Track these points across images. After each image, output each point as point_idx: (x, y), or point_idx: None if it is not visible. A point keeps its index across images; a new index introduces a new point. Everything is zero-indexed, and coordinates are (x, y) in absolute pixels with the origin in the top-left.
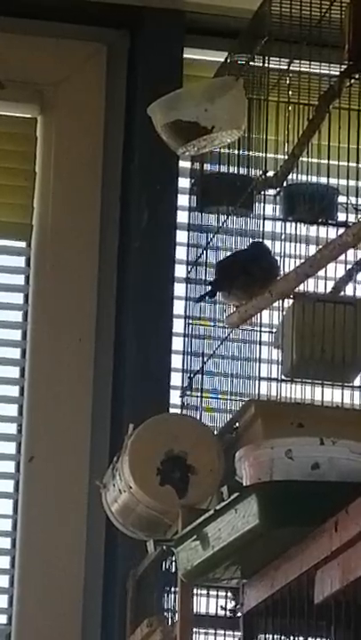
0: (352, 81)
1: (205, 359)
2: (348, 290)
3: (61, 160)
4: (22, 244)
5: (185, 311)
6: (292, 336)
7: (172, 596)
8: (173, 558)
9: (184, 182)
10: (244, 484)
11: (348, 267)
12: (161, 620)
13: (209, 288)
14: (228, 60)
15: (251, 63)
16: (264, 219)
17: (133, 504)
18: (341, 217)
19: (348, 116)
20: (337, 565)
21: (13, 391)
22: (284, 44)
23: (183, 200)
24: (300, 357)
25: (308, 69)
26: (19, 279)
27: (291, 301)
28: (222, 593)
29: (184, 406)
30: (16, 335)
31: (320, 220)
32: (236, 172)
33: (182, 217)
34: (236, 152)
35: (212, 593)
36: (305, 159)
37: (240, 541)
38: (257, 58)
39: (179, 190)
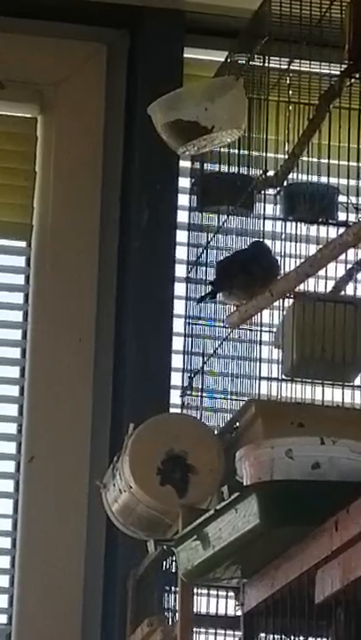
0: (352, 80)
1: (206, 359)
2: (349, 289)
3: (61, 160)
4: (22, 244)
5: (185, 311)
6: (293, 336)
7: (173, 595)
8: (174, 558)
9: (184, 182)
10: (245, 484)
11: (349, 266)
12: (161, 620)
13: (209, 288)
14: (229, 60)
15: (251, 63)
16: (264, 218)
17: (134, 504)
18: (342, 216)
19: (349, 115)
20: (337, 565)
21: (13, 391)
22: (285, 43)
23: (183, 200)
24: (300, 357)
25: (308, 69)
26: (19, 279)
27: (291, 301)
28: (223, 592)
29: (184, 406)
30: (16, 335)
31: (320, 220)
32: (236, 171)
33: (182, 217)
34: (236, 152)
35: (213, 593)
36: (305, 159)
37: (240, 541)
38: (257, 57)
39: (179, 190)
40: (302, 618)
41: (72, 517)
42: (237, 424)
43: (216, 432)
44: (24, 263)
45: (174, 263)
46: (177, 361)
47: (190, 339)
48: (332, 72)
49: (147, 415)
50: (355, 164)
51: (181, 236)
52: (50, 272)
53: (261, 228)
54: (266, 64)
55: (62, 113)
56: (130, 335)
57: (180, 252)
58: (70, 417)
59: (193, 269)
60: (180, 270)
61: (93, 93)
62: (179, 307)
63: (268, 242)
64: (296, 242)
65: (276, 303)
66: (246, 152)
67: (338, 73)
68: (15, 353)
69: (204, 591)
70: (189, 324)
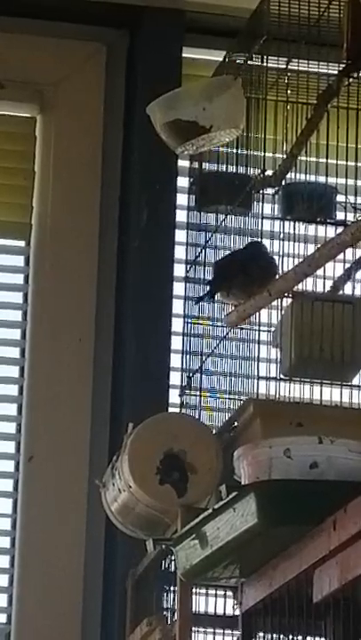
0: (350, 80)
1: (204, 358)
2: (347, 289)
3: (61, 159)
4: (21, 244)
5: (184, 310)
6: (291, 335)
7: (172, 595)
8: (173, 557)
9: (183, 181)
10: (243, 483)
11: (347, 265)
12: (160, 619)
13: (207, 288)
14: (227, 60)
15: (249, 62)
16: (263, 218)
17: (133, 503)
18: (340, 216)
19: (347, 114)
20: (335, 564)
21: (13, 390)
22: (283, 43)
23: (182, 199)
24: (298, 356)
25: (306, 68)
26: (18, 278)
27: (289, 300)
28: (221, 592)
29: (183, 405)
30: (15, 334)
31: (319, 219)
32: (234, 171)
33: (181, 216)
34: (234, 151)
35: (211, 592)
36: (303, 158)
37: (239, 540)
38: (255, 57)
39: (178, 189)
40: (300, 617)
41: (71, 517)
42: (236, 423)
43: (215, 431)
44: (23, 263)
45: (173, 262)
46: (176, 360)
47: (189, 338)
48: (331, 71)
49: (146, 414)
50: (353, 163)
51: (180, 235)
52: (49, 271)
53: (260, 228)
54: (264, 63)
55: (61, 112)
56: (129, 335)
57: (179, 252)
58: (69, 416)
59: (192, 269)
60: (179, 270)
61: (93, 93)
62: (178, 306)
63: (266, 241)
64: (294, 241)
65: (274, 302)
66: (245, 151)
67: (336, 72)
68: (14, 352)
69: (203, 590)
70: (188, 323)
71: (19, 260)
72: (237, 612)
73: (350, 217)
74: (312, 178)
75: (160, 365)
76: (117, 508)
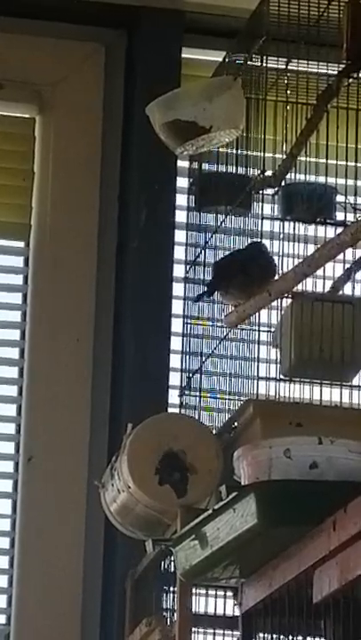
0: (350, 80)
1: (204, 359)
2: (347, 289)
3: (60, 160)
4: (21, 244)
5: (183, 311)
6: (291, 335)
7: (171, 595)
8: (172, 558)
9: (182, 182)
10: (243, 484)
11: (347, 266)
12: (160, 620)
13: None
14: (227, 60)
15: (249, 63)
16: (262, 218)
17: (132, 504)
18: (340, 216)
19: (347, 115)
20: (335, 565)
21: (12, 391)
22: (282, 43)
23: (181, 200)
24: (298, 357)
25: (306, 69)
26: (17, 279)
27: (289, 301)
28: (221, 592)
29: (183, 406)
30: (15, 335)
31: (318, 220)
32: (234, 171)
33: (181, 216)
34: (234, 151)
35: (211, 592)
36: (303, 158)
37: (238, 541)
38: (255, 57)
39: (177, 190)
40: (300, 617)
41: (71, 517)
42: (236, 424)
43: (214, 432)
44: (22, 263)
45: (172, 263)
46: (175, 361)
47: (188, 338)
48: (330, 72)
49: (145, 415)
50: (353, 163)
51: (180, 235)
52: (48, 272)
53: (259, 228)
54: (264, 64)
55: (60, 113)
56: (128, 335)
57: (179, 252)
58: (69, 417)
59: (191, 269)
60: (179, 270)
61: (91, 93)
62: (177, 306)
63: (266, 242)
64: (294, 242)
65: (274, 303)
66: (244, 152)
67: (336, 73)
68: (14, 353)
69: (203, 591)
70: (188, 323)
71: (18, 261)
72: (237, 613)
73: (350, 217)
74: (312, 178)
75: (159, 366)
76: (117, 509)
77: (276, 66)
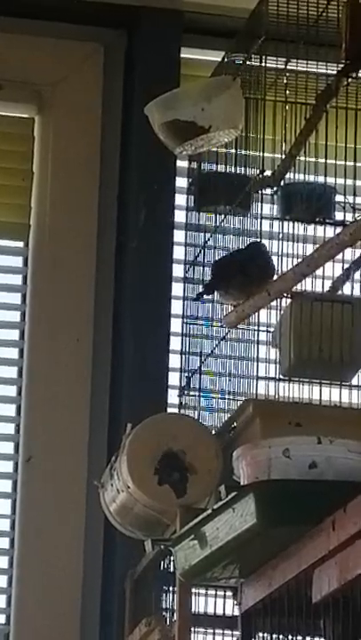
0: (349, 80)
1: (203, 359)
2: (346, 289)
3: (59, 160)
4: (20, 244)
5: (183, 311)
6: (290, 335)
7: (171, 595)
8: (172, 558)
9: (181, 182)
10: (242, 484)
11: (346, 266)
12: (159, 620)
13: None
14: (226, 60)
15: (248, 62)
16: (261, 218)
17: (132, 504)
18: (339, 216)
19: (346, 115)
20: (335, 564)
21: (11, 391)
22: (281, 43)
23: (181, 199)
24: (297, 357)
25: (305, 68)
26: (16, 279)
27: (288, 301)
28: (220, 592)
29: (182, 406)
30: (14, 335)
31: (317, 220)
32: (233, 171)
33: (180, 216)
34: (233, 151)
35: (211, 592)
36: (302, 158)
37: (238, 540)
38: (254, 57)
39: (176, 190)
40: (300, 617)
41: (70, 517)
42: (235, 424)
43: (214, 432)
44: (22, 263)
45: (172, 263)
46: (174, 361)
47: (188, 338)
48: (329, 72)
49: (144, 415)
50: (352, 163)
51: (179, 235)
52: (47, 272)
53: (259, 228)
54: (263, 64)
55: (60, 113)
56: (127, 335)
57: (178, 252)
58: (68, 417)
59: (190, 269)
60: (178, 270)
61: (91, 93)
62: (176, 306)
63: (265, 241)
64: (293, 241)
65: (273, 303)
66: (243, 152)
67: (335, 72)
68: (13, 353)
69: (202, 591)
70: (187, 323)
71: (17, 261)
72: (237, 613)
73: (349, 217)
74: (311, 178)
75: (158, 366)
76: (116, 509)
77: (275, 66)
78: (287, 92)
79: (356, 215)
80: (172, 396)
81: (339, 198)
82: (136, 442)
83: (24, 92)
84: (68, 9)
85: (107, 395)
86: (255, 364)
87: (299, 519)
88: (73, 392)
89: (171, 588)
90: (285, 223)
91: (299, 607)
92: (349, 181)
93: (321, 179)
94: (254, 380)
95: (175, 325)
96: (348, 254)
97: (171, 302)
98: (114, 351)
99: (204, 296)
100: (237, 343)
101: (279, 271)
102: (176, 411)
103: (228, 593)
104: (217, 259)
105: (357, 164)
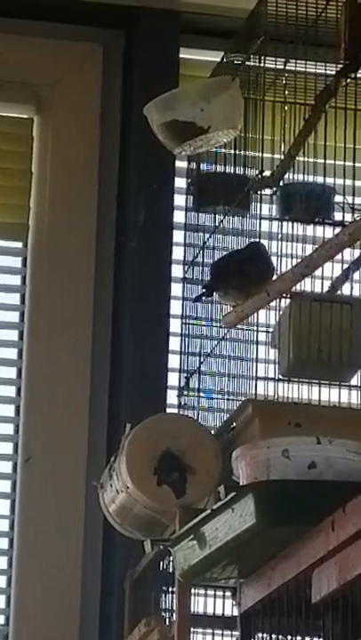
0: (348, 80)
1: (202, 359)
2: (345, 289)
3: (58, 160)
4: (19, 245)
5: (182, 311)
6: (289, 336)
7: (170, 595)
8: (171, 558)
9: (180, 182)
10: (241, 484)
11: (345, 266)
12: (159, 620)
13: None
14: (224, 60)
15: (247, 63)
16: (260, 218)
17: (131, 504)
18: (338, 216)
19: (345, 115)
20: (334, 565)
21: (10, 391)
22: (280, 43)
23: (180, 200)
24: (296, 357)
25: (304, 69)
26: (15, 279)
27: (288, 301)
28: (220, 592)
29: (181, 406)
30: (13, 335)
31: (316, 220)
32: (232, 171)
33: (179, 217)
34: (232, 152)
35: (210, 593)
36: (301, 159)
37: (237, 541)
38: (253, 57)
39: (175, 190)
40: (299, 617)
41: (69, 518)
42: (234, 424)
43: (213, 432)
44: (20, 264)
45: (171, 263)
46: (174, 361)
47: (187, 339)
48: (328, 72)
49: (144, 415)
50: (351, 163)
51: (178, 235)
52: (46, 273)
53: (258, 229)
54: (262, 64)
55: (58, 113)
56: (127, 335)
57: (177, 252)
58: (67, 417)
59: (190, 269)
60: (177, 270)
61: (89, 94)
62: (175, 307)
63: (264, 242)
64: (292, 242)
65: (272, 303)
66: (242, 152)
67: (334, 73)
68: (12, 353)
69: (202, 591)
70: (186, 324)
71: (16, 262)
72: (236, 613)
73: (348, 217)
74: (310, 178)
75: (158, 366)
76: (115, 509)
77: (274, 66)
78: (286, 92)
79: (356, 215)
80: (172, 397)
81: (338, 199)
82: (135, 442)
83: (23, 93)
84: (67, 9)
85: (106, 395)
86: (254, 364)
87: (298, 519)
88: (72, 392)
89: (170, 589)
90: (284, 223)
91: (298, 607)
92: (348, 182)
93: (320, 179)
94: (253, 381)
95: (174, 325)
96: (348, 254)
97: (170, 302)
98: (113, 351)
99: (204, 297)
100: (237, 343)
101: (278, 271)
102: (175, 411)
103: (228, 593)
104: (216, 259)
105: (356, 165)
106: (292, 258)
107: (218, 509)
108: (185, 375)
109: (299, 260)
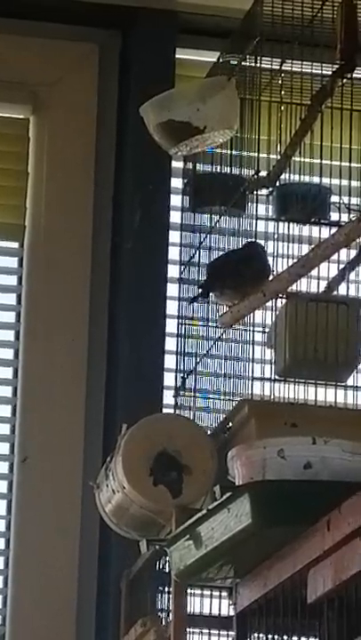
0: (344, 80)
1: (198, 359)
2: (341, 289)
3: (54, 160)
4: (15, 245)
5: (178, 311)
6: (285, 336)
7: (166, 595)
8: (167, 558)
9: (177, 182)
10: (237, 484)
11: (341, 266)
12: (155, 620)
13: (200, 289)
14: (221, 60)
15: (243, 63)
16: (257, 219)
17: (127, 504)
18: (334, 216)
19: (341, 115)
20: (329, 564)
21: (7, 392)
22: (276, 43)
23: (176, 200)
24: (293, 357)
25: (300, 69)
26: (11, 280)
27: (284, 301)
28: (216, 592)
29: (177, 406)
30: (9, 336)
31: (313, 220)
32: (228, 172)
33: (175, 217)
34: (228, 152)
35: (206, 593)
36: (297, 159)
37: (233, 541)
38: (249, 58)
39: (171, 190)
40: (295, 617)
41: (66, 518)
42: (230, 424)
43: (209, 432)
44: (17, 264)
45: (167, 264)
46: (170, 361)
47: (183, 339)
48: (324, 72)
49: (140, 415)
50: (347, 164)
51: (174, 236)
52: (43, 273)
53: (254, 229)
54: (258, 64)
55: (55, 113)
56: (123, 335)
57: (173, 253)
58: (64, 417)
59: (186, 270)
60: (173, 271)
61: (86, 94)
62: (172, 307)
63: (260, 242)
64: (288, 242)
65: (268, 303)
66: (239, 152)
67: (330, 73)
68: (8, 354)
69: (198, 591)
70: (182, 324)
71: (12, 262)
72: (232, 613)
73: (344, 217)
74: (306, 178)
75: (154, 366)
76: (112, 509)
77: (270, 66)
78: (282, 92)
79: (352, 216)
80: (168, 397)
81: (334, 199)
82: (131, 442)
83: (19, 93)
84: (63, 9)
85: (102, 395)
86: (250, 364)
87: (294, 519)
88: (68, 392)
89: (166, 589)
90: (281, 224)
91: (294, 607)
92: (345, 182)
93: (316, 179)
94: (250, 381)
95: (170, 326)
96: (344, 255)
97: (166, 303)
98: (109, 352)
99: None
100: (233, 344)
101: (275, 272)
102: (171, 411)
103: (224, 593)
104: (212, 259)
105: (353, 165)
106: (288, 258)
107: (214, 509)
108: (181, 375)
109: (295, 261)
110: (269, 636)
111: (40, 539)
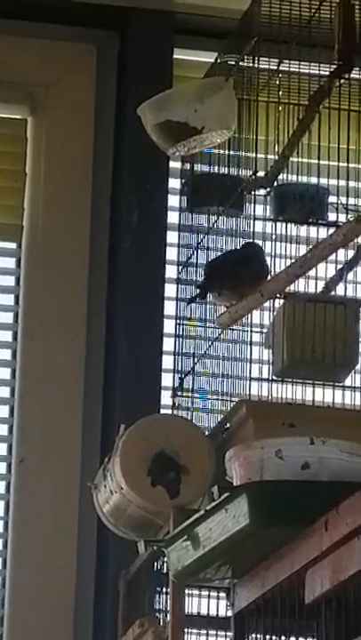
0: (342, 81)
1: (196, 360)
2: (339, 290)
3: (52, 161)
4: (13, 245)
5: (176, 312)
6: (283, 336)
7: (164, 596)
8: (165, 559)
9: (174, 183)
10: (235, 484)
11: (339, 266)
12: (153, 621)
13: (198, 290)
14: (218, 61)
15: (240, 63)
16: (255, 219)
17: (125, 505)
18: (332, 217)
19: (338, 115)
20: (327, 565)
21: (4, 392)
22: (274, 44)
23: (174, 200)
24: (290, 357)
25: (297, 69)
26: (9, 280)
27: (281, 301)
28: (214, 593)
29: (175, 407)
30: (7, 336)
31: (310, 220)
32: (226, 172)
33: (173, 217)
34: (226, 152)
35: (204, 593)
36: (295, 159)
37: (231, 541)
38: (247, 58)
39: (169, 191)
40: (293, 618)
41: (63, 518)
42: (228, 425)
43: (207, 433)
44: (14, 265)
45: (165, 264)
46: (167, 362)
47: (181, 339)
48: (322, 72)
49: (137, 416)
50: (345, 164)
51: (172, 236)
52: (40, 273)
53: (252, 229)
54: (255, 65)
55: (52, 114)
56: (121, 336)
57: (171, 253)
58: (61, 418)
59: (183, 270)
60: (171, 271)
61: (83, 94)
62: (169, 307)
63: (258, 242)
64: (286, 242)
65: (266, 304)
66: (236, 153)
67: (327, 73)
68: (6, 354)
69: (195, 592)
70: (180, 324)
71: (10, 262)
72: (230, 613)
73: (342, 218)
74: (304, 179)
75: (152, 367)
76: (109, 510)
77: (267, 67)
78: (280, 92)
79: (349, 216)
80: (166, 397)
81: (332, 199)
82: (129, 443)
83: (17, 93)
84: (61, 10)
85: (100, 396)
86: (248, 364)
87: (291, 520)
88: (66, 393)
89: (164, 589)
90: (279, 224)
91: (292, 608)
92: (342, 182)
93: (314, 180)
94: (247, 381)
95: (168, 326)
96: (342, 255)
97: (164, 303)
98: (107, 352)
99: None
100: (231, 344)
101: (272, 272)
102: (169, 412)
103: (222, 594)
104: (210, 260)
105: (350, 165)
106: (286, 258)
107: (211, 510)
108: (179, 376)
109: (293, 261)
110: (267, 637)
111: (38, 539)
